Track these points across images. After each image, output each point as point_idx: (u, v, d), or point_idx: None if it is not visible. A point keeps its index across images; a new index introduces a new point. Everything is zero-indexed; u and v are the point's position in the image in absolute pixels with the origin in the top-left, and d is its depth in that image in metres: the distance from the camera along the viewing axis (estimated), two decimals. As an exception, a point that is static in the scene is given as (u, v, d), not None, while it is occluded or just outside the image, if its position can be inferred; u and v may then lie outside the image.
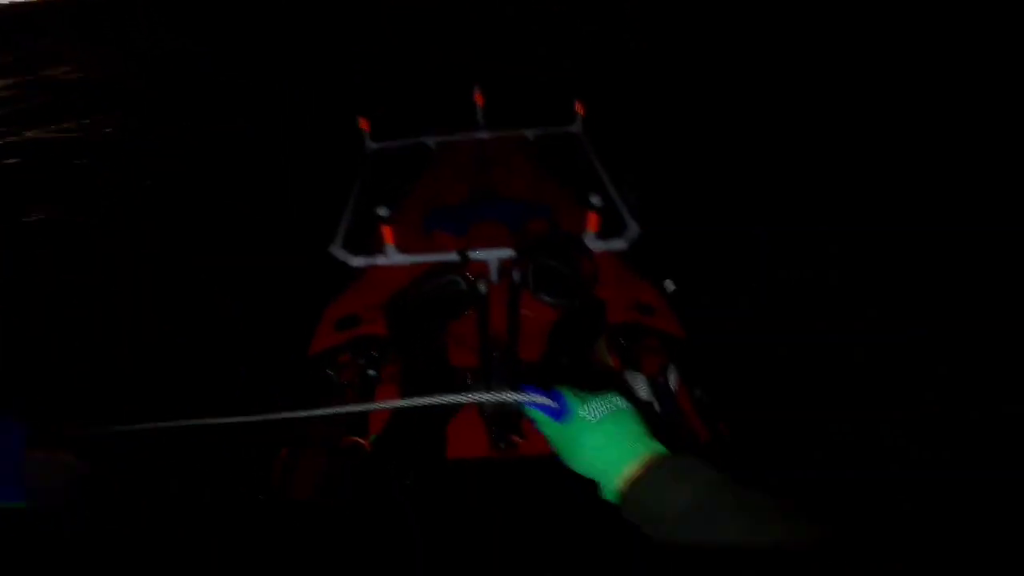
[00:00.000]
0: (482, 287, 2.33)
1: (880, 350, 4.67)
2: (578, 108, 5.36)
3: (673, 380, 2.56)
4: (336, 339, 2.67)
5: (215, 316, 5.11)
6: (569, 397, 1.07)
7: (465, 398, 1.10)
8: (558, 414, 1.04)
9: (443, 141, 5.39)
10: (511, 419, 2.13)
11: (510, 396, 1.08)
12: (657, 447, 0.98)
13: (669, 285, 3.10)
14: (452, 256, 3.17)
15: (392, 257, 3.30)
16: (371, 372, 2.50)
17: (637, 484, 0.93)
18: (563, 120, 5.47)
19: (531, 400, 1.07)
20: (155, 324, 5.16)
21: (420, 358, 2.33)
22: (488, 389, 2.16)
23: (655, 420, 2.20)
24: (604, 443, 0.97)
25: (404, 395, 2.34)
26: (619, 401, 1.06)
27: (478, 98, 5.56)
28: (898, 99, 8.80)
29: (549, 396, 1.08)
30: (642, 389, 2.31)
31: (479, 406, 2.24)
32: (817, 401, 4.09)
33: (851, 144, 7.86)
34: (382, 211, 3.16)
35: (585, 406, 1.02)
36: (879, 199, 6.94)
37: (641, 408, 1.13)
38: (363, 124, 5.27)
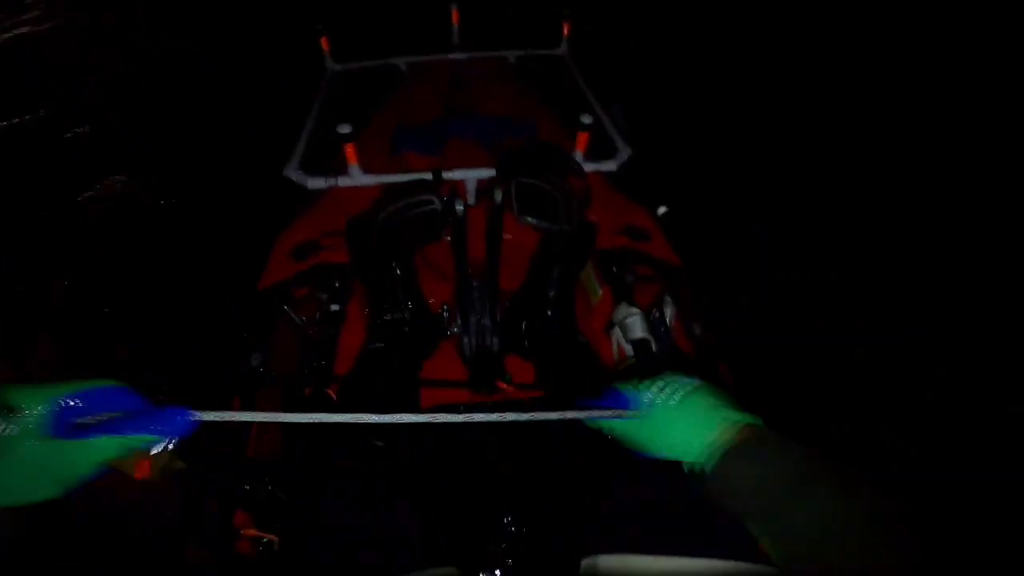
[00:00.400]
0: (459, 206, 2.11)
1: (880, 350, 4.68)
2: (565, 29, 5.06)
3: (669, 314, 2.41)
4: (291, 269, 2.37)
5: (215, 316, 5.10)
6: (632, 391, 1.03)
7: (497, 417, 0.97)
8: (629, 410, 0.99)
9: (415, 62, 5.02)
10: (495, 360, 1.92)
11: (575, 415, 0.99)
12: (747, 418, 0.95)
13: (662, 209, 3.07)
14: (424, 175, 2.94)
15: (356, 178, 3.00)
16: (334, 307, 2.25)
17: (732, 455, 0.90)
18: (548, 42, 5.12)
19: (601, 415, 1.00)
20: (155, 324, 5.15)
21: (388, 289, 1.99)
22: (483, 342, 1.92)
23: (653, 361, 2.05)
24: (693, 422, 0.94)
25: (371, 333, 2.03)
26: (689, 379, 1.03)
27: (454, 15, 5.20)
28: (898, 97, 8.78)
29: (615, 403, 1.02)
30: (637, 325, 2.13)
31: (459, 345, 1.98)
32: (817, 401, 4.09)
33: (850, 143, 7.84)
34: (344, 128, 2.85)
35: (657, 392, 0.98)
36: (879, 199, 6.91)
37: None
38: (323, 42, 4.90)
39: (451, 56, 5.11)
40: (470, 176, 3.00)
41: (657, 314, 2.36)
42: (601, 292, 2.52)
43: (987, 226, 6.11)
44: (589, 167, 3.16)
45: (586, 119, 3.04)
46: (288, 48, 6.75)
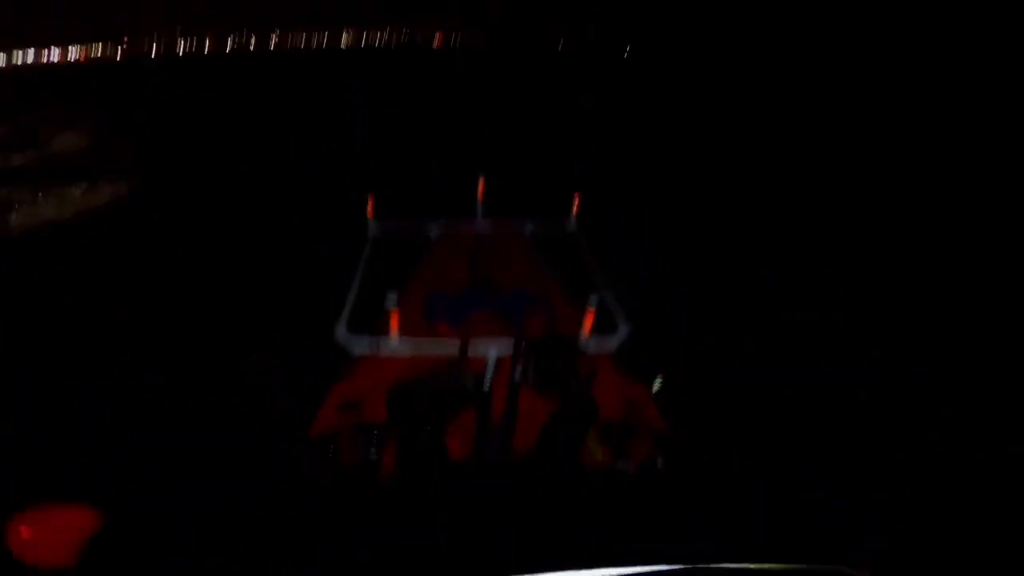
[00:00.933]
0: (487, 385, 2.57)
1: (884, 391, 4.74)
2: (575, 203, 5.52)
3: (660, 464, 2.81)
4: (339, 421, 2.79)
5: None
6: None
7: None
8: None
9: (444, 229, 5.51)
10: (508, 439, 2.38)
11: None
12: None
13: (658, 381, 3.44)
14: (451, 346, 3.36)
15: (395, 344, 3.51)
16: (372, 456, 2.58)
17: None
18: (560, 212, 5.62)
19: None
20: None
21: (418, 447, 2.49)
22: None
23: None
24: None
25: (399, 477, 2.57)
26: None
27: (480, 184, 5.71)
28: (900, 138, 8.98)
29: None
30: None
31: (479, 426, 2.46)
32: (822, 442, 4.15)
33: (852, 185, 8.01)
34: (391, 300, 3.39)
35: None
36: (881, 239, 7.05)
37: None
38: (370, 203, 5.37)
39: (475, 224, 5.58)
40: (492, 349, 3.36)
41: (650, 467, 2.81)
42: (601, 453, 2.86)
43: (989, 266, 6.21)
44: (594, 345, 3.59)
45: (593, 300, 3.51)
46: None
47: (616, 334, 3.72)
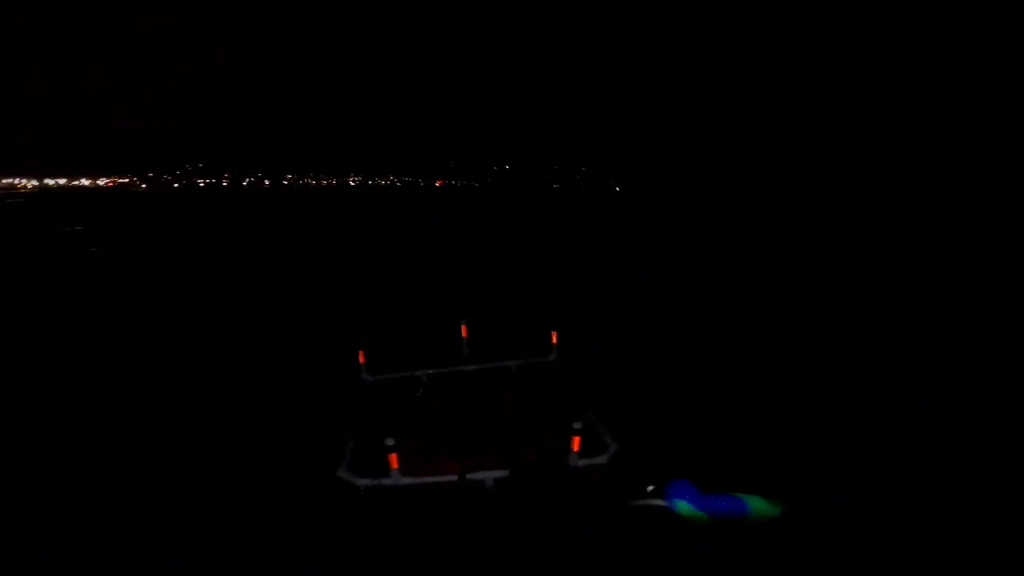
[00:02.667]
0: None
1: (882, 419, 4.81)
2: (554, 339, 6.19)
3: None
4: None
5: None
6: None
7: None
8: None
9: (434, 373, 5.99)
10: None
11: None
12: None
13: (650, 488, 3.79)
14: (451, 477, 3.90)
15: (397, 479, 3.95)
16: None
17: None
18: (541, 348, 6.23)
19: None
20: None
21: None
22: None
23: None
24: None
25: None
26: None
27: (464, 331, 6.40)
28: (905, 147, 9.39)
29: None
30: None
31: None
32: (820, 470, 4.19)
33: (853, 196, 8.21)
34: (390, 441, 3.87)
35: None
36: (883, 247, 7.16)
37: None
38: (361, 357, 5.96)
39: (463, 367, 6.13)
40: (490, 476, 3.93)
41: None
42: None
43: (990, 274, 6.22)
44: (584, 462, 4.05)
45: (577, 426, 3.99)
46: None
47: (606, 452, 4.16)
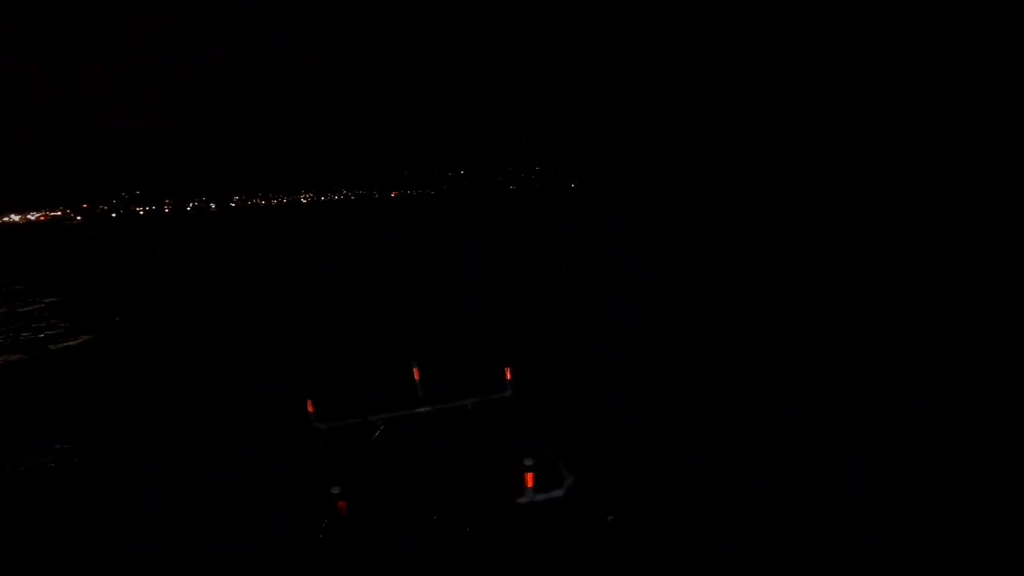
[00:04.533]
0: None
1: (882, 419, 4.81)
2: (507, 374, 6.24)
3: None
4: None
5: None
6: None
7: None
8: None
9: (388, 417, 5.98)
10: None
11: None
12: None
13: (610, 518, 3.88)
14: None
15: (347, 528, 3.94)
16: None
17: None
18: (496, 385, 6.28)
19: None
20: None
21: None
22: None
23: None
24: None
25: None
26: None
27: (416, 374, 6.39)
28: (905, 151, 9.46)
29: None
30: None
31: None
32: (820, 468, 4.13)
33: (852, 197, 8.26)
34: (335, 489, 3.92)
35: None
36: (882, 246, 7.19)
37: None
38: (309, 407, 5.88)
39: (417, 410, 6.11)
40: (440, 520, 3.95)
41: None
42: None
43: (989, 274, 6.29)
44: (540, 497, 4.12)
45: (528, 462, 4.07)
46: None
47: (562, 485, 4.24)
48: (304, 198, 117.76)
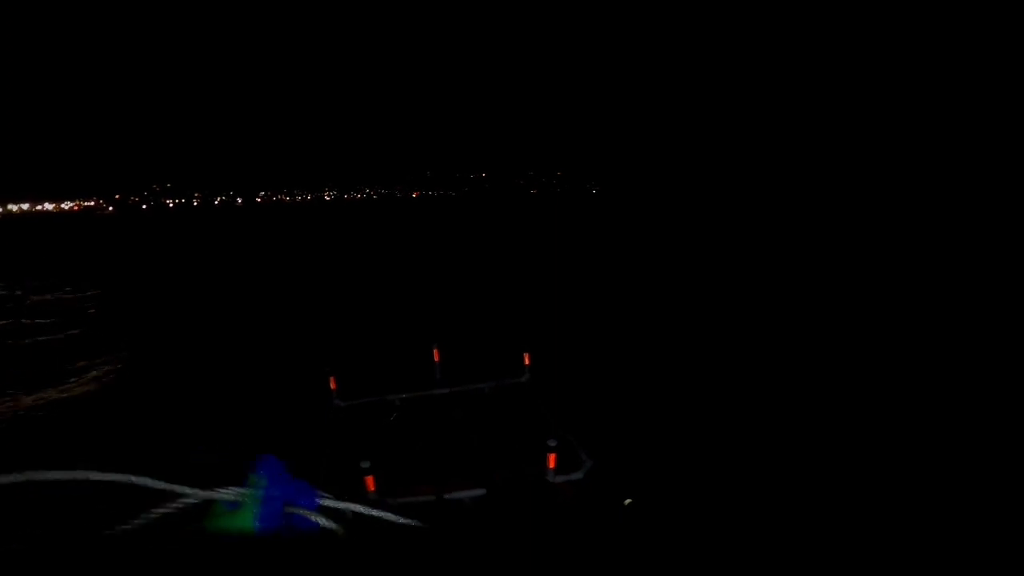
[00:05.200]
0: None
1: (881, 419, 4.80)
2: (526, 360, 6.28)
3: None
4: None
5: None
6: None
7: None
8: None
9: (407, 397, 6.02)
10: None
11: None
12: None
13: (627, 501, 3.90)
14: (429, 498, 3.97)
15: (373, 504, 4.11)
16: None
17: None
18: (514, 370, 6.34)
19: None
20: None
21: None
22: None
23: None
24: None
25: None
26: None
27: (435, 354, 6.50)
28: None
29: None
30: None
31: None
32: (815, 469, 4.18)
33: None
34: (364, 464, 3.91)
35: None
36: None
37: None
38: (332, 383, 5.99)
39: (436, 391, 6.18)
40: (467, 496, 4.02)
41: None
42: None
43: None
44: (560, 479, 4.17)
45: (551, 443, 4.11)
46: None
47: (581, 468, 4.30)
48: (328, 195, 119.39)
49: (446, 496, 3.85)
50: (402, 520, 1.19)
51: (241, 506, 0.99)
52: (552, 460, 4.06)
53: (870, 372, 5.97)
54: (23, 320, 11.10)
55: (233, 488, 0.97)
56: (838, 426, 5.14)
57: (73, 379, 7.53)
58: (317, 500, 1.08)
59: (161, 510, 0.91)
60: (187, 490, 0.93)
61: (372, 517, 1.20)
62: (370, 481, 3.81)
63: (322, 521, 1.08)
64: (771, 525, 3.89)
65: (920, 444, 4.57)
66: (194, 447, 5.17)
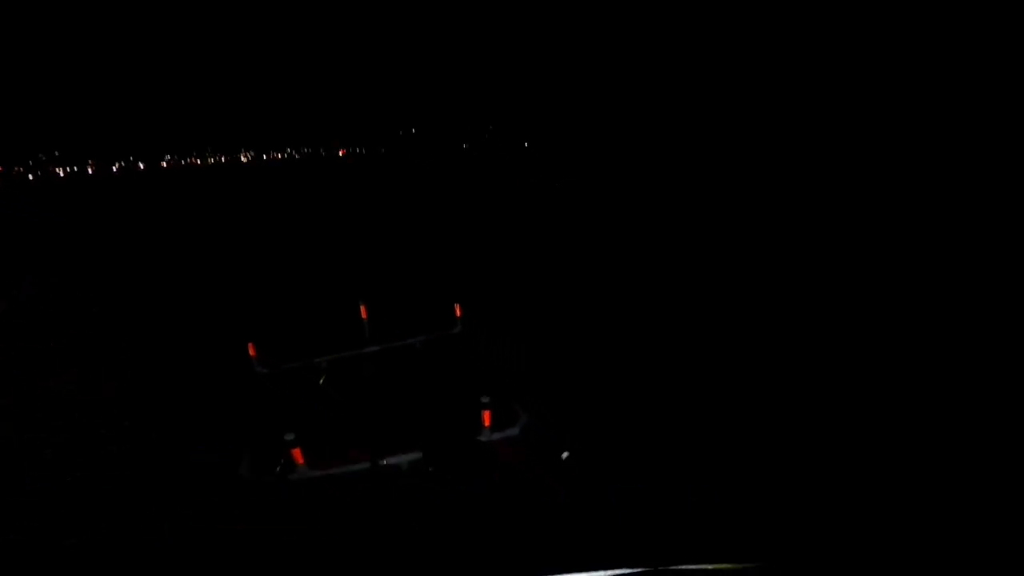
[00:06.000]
0: None
1: (876, 415, 4.48)
2: (457, 311, 6.08)
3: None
4: None
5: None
6: None
7: None
8: None
9: (334, 359, 5.66)
10: None
11: None
12: None
13: (565, 454, 3.83)
14: (364, 466, 3.77)
15: (304, 475, 3.76)
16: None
17: None
18: (445, 322, 6.13)
19: None
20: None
21: None
22: None
23: None
24: None
25: None
26: None
27: (363, 311, 6.22)
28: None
29: None
30: None
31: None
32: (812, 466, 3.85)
33: None
34: (288, 436, 3.68)
35: None
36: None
37: None
38: (251, 349, 5.57)
39: (365, 349, 5.84)
40: (404, 460, 3.86)
41: None
42: None
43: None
44: (496, 436, 4.03)
45: (485, 399, 3.96)
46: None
47: (517, 424, 4.18)
48: (244, 157, 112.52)
49: (382, 463, 3.76)
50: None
51: None
52: (487, 418, 3.99)
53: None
54: None
55: None
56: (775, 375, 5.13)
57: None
58: None
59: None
60: None
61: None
62: (297, 454, 3.65)
63: None
64: (709, 472, 3.81)
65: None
66: (194, 447, 4.65)
